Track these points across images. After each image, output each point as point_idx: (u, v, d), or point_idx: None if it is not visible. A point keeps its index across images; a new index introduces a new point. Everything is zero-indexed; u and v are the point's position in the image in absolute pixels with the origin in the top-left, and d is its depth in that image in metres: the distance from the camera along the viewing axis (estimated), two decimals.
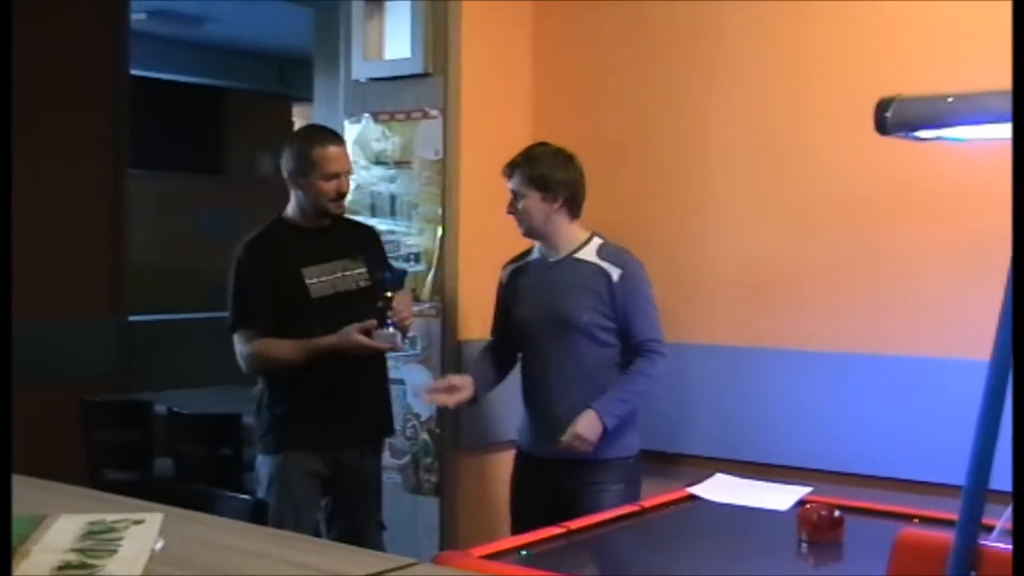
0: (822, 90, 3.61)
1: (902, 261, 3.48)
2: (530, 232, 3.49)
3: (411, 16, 3.95)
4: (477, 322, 3.94)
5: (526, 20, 4.19)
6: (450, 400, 3.50)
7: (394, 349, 3.52)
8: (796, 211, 3.68)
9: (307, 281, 3.45)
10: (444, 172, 3.90)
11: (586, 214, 3.92)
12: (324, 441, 3.46)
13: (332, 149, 3.46)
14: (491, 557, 2.51)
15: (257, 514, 2.43)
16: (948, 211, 3.39)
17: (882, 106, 2.44)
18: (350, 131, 4.11)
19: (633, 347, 3.41)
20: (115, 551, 1.57)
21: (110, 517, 1.76)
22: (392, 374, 3.90)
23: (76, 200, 5.65)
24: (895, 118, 2.44)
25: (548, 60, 4.19)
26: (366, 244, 3.65)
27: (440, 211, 3.90)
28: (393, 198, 4.01)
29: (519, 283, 3.55)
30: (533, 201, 3.43)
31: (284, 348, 3.42)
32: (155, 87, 8.84)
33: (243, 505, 2.58)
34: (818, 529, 2.73)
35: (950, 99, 2.40)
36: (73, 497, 2.15)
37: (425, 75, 3.92)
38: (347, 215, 3.70)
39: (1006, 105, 2.29)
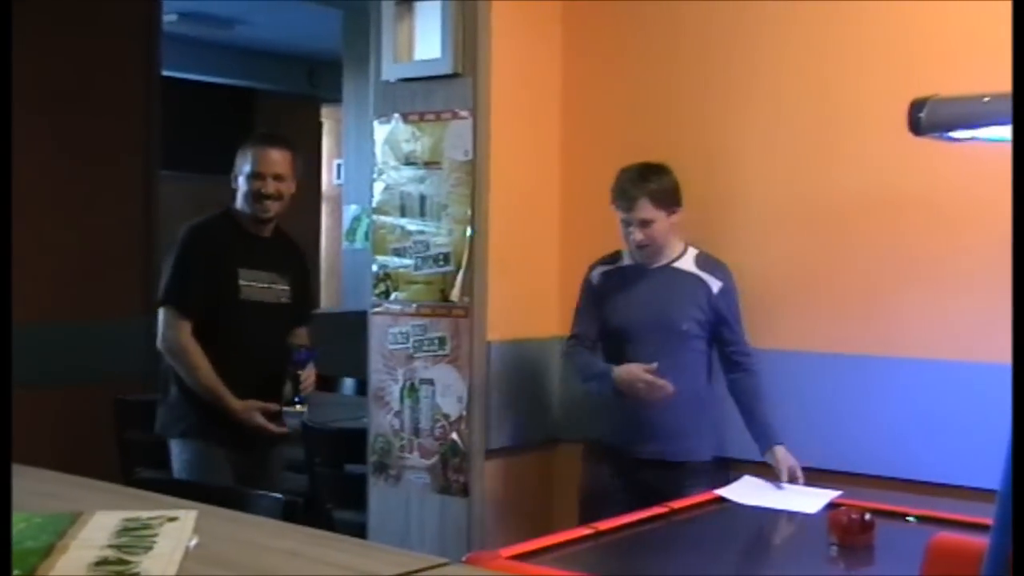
0: (856, 92, 3.59)
1: (936, 264, 3.46)
2: (655, 252, 3.53)
3: (441, 17, 3.96)
4: (505, 323, 3.95)
5: (556, 20, 4.19)
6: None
7: (284, 435, 3.77)
8: (829, 216, 3.66)
9: (240, 281, 3.60)
10: (474, 173, 3.90)
11: (613, 216, 3.91)
12: (225, 434, 3.60)
13: (265, 150, 3.63)
14: (520, 557, 2.51)
15: (289, 513, 2.44)
16: (985, 213, 3.36)
17: (916, 106, 2.42)
18: (380, 132, 4.12)
19: (726, 354, 3.55)
20: (151, 548, 1.58)
21: (145, 514, 1.78)
22: (421, 374, 3.92)
23: (108, 201, 5.69)
24: (929, 118, 2.43)
25: (578, 60, 4.19)
26: (295, 265, 3.86)
27: (469, 212, 3.90)
28: (423, 199, 4.01)
29: (615, 287, 3.58)
30: (662, 223, 3.47)
31: (204, 371, 3.58)
32: (187, 89, 8.90)
33: (275, 504, 2.60)
34: (849, 532, 2.72)
35: (986, 99, 2.39)
36: (108, 494, 2.17)
37: (455, 76, 3.92)
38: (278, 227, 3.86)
39: None
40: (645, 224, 3.43)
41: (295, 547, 1.67)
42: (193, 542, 1.62)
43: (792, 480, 3.33)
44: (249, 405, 3.57)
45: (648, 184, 3.43)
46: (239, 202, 3.71)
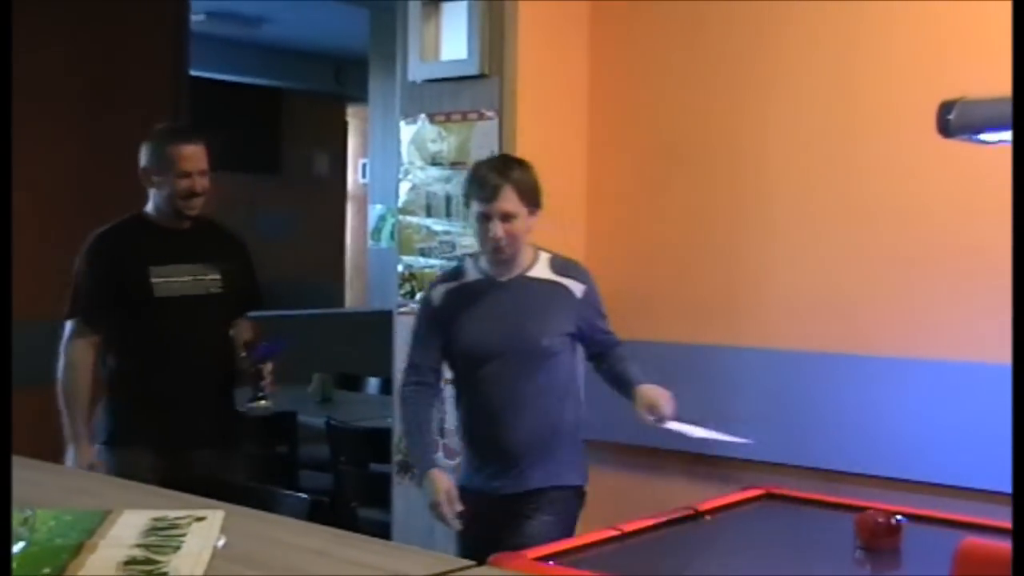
0: (883, 92, 3.57)
1: (967, 265, 3.43)
2: (513, 258, 3.16)
3: (467, 17, 3.97)
4: None
5: (583, 20, 4.18)
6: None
7: None
8: (857, 215, 3.64)
9: (152, 280, 3.47)
10: None
11: (644, 219, 3.92)
12: (159, 439, 3.47)
13: (186, 147, 3.49)
14: (545, 559, 2.51)
15: (315, 513, 2.45)
16: (1007, 217, 3.33)
17: (945, 108, 2.42)
18: (406, 132, 4.13)
19: (598, 354, 3.31)
20: (179, 547, 1.59)
21: (172, 513, 1.78)
22: (446, 374, 3.91)
23: (136, 201, 5.72)
24: (958, 120, 2.42)
25: (605, 61, 4.18)
26: (228, 253, 3.68)
27: None
28: (449, 199, 4.02)
29: (462, 306, 3.19)
30: (523, 220, 3.11)
31: (75, 396, 3.46)
32: (214, 87, 8.94)
33: (300, 503, 2.61)
34: (876, 536, 2.71)
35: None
36: (135, 493, 2.18)
37: (481, 76, 3.93)
38: (217, 221, 3.76)
39: None
40: (507, 218, 3.05)
41: (322, 546, 1.67)
42: (221, 542, 1.63)
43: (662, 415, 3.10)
44: (88, 453, 3.43)
45: (512, 173, 3.09)
46: (157, 202, 3.54)
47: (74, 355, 3.47)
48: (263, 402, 3.52)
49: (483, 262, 3.20)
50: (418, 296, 4.01)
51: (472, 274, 3.23)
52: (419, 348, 3.29)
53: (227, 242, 3.73)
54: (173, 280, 3.50)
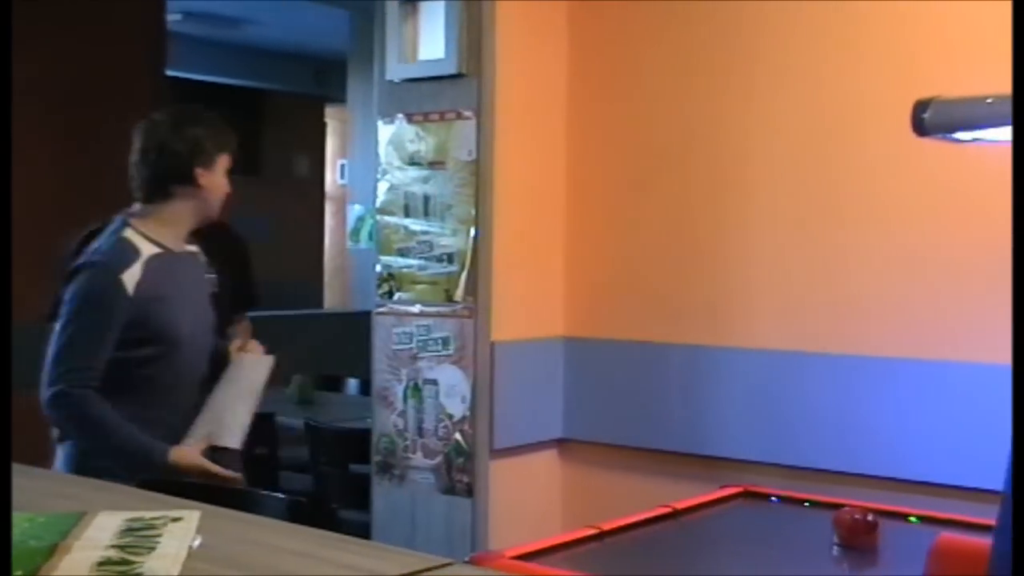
0: (864, 91, 3.58)
1: (945, 266, 3.45)
2: None
3: (445, 17, 3.96)
4: (510, 323, 3.95)
5: (561, 21, 4.19)
6: None
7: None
8: (837, 215, 3.65)
9: None
10: (478, 173, 3.90)
11: (624, 219, 3.92)
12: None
13: None
14: (524, 558, 2.51)
15: (294, 513, 2.44)
16: (991, 215, 3.36)
17: (920, 107, 2.43)
18: (384, 132, 4.12)
19: None
20: (154, 548, 1.59)
21: (148, 514, 1.78)
22: (426, 374, 3.92)
23: (115, 202, 5.68)
24: (933, 119, 2.43)
25: (584, 61, 4.19)
26: (227, 252, 3.64)
27: (474, 212, 3.91)
28: (427, 199, 4.02)
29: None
30: None
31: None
32: (192, 89, 8.92)
33: (279, 504, 2.60)
34: (853, 533, 2.72)
35: (989, 100, 2.40)
36: (112, 494, 2.17)
37: (459, 76, 3.93)
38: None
39: None
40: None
41: (301, 547, 1.67)
42: (197, 542, 1.63)
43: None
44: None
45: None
46: None
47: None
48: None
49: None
50: (398, 296, 4.01)
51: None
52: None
53: (227, 240, 3.67)
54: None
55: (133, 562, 1.51)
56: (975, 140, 2.60)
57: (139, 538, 1.64)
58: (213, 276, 3.42)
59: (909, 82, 3.22)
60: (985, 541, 1.95)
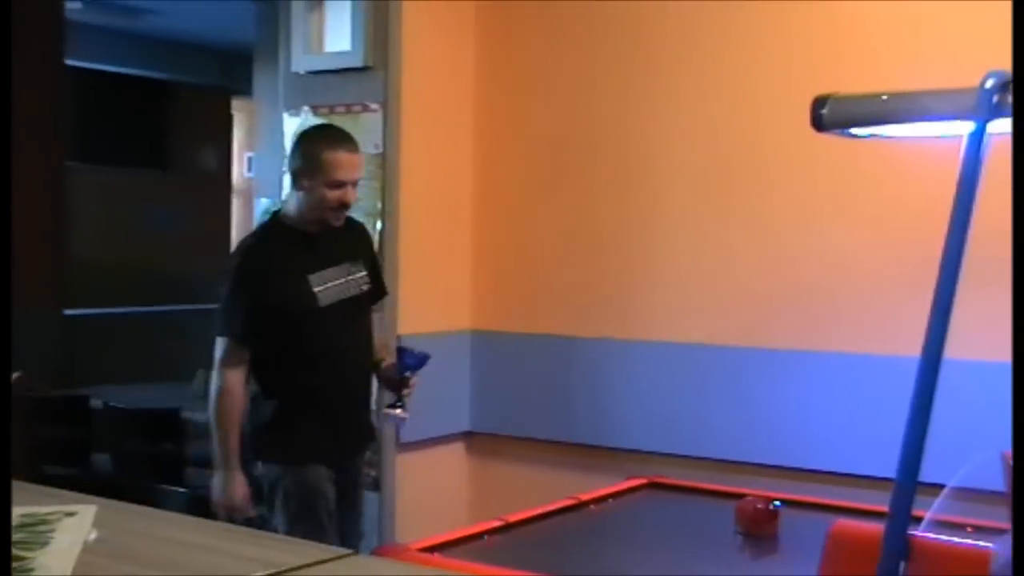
0: (765, 88, 3.65)
1: (840, 259, 3.52)
2: None
3: (352, 9, 3.94)
4: (417, 316, 3.94)
5: (469, 15, 4.19)
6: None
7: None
8: (740, 209, 3.71)
9: (315, 289, 3.23)
10: (384, 166, 3.89)
11: (531, 213, 3.95)
12: (332, 452, 3.31)
13: (344, 156, 3.20)
14: (430, 550, 2.51)
15: (197, 508, 2.41)
16: (890, 210, 3.44)
17: (818, 103, 2.47)
18: (290, 124, 4.08)
19: None
20: (47, 543, 1.55)
21: (43, 509, 1.74)
22: None
23: (15, 193, 5.56)
24: (831, 115, 2.47)
25: (491, 55, 4.19)
26: (365, 246, 3.48)
27: (380, 205, 3.89)
28: None
29: None
30: None
31: (234, 430, 3.25)
32: (95, 79, 8.73)
33: (182, 498, 2.58)
34: (755, 521, 2.77)
35: (884, 97, 2.44)
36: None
37: (366, 69, 3.91)
38: None
39: (941, 104, 2.34)
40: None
41: (201, 540, 1.65)
42: (92, 536, 1.59)
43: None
44: (244, 494, 3.23)
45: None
46: (302, 207, 3.25)
47: (230, 379, 3.21)
48: (399, 411, 3.33)
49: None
50: None
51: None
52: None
53: (361, 234, 3.49)
54: (331, 285, 3.27)
55: (25, 557, 1.48)
56: (872, 136, 2.66)
57: (31, 534, 1.60)
58: None
59: (808, 79, 3.27)
60: (879, 527, 2.00)
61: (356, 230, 3.45)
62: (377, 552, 2.38)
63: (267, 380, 3.28)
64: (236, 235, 11.08)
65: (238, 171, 10.99)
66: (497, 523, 2.81)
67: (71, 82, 5.99)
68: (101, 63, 8.89)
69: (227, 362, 3.21)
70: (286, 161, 3.36)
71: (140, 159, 9.48)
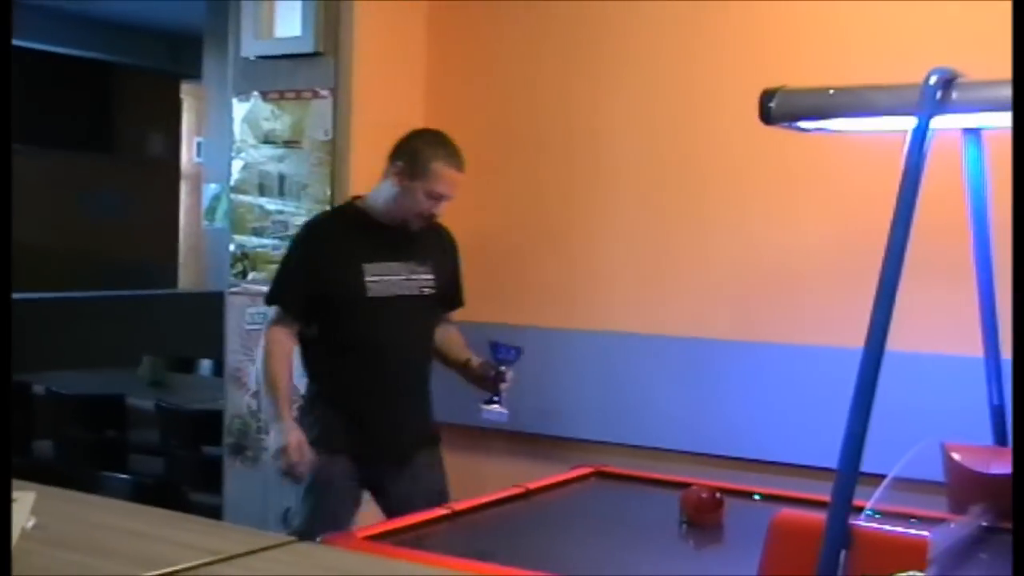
0: (711, 81, 3.66)
1: (784, 251, 3.55)
2: None
3: None
4: None
5: (421, 2, 4.17)
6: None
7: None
8: (685, 199, 3.73)
9: (366, 278, 3.24)
10: (334, 153, 3.87)
11: (479, 202, 3.94)
12: (363, 446, 3.30)
13: (453, 172, 3.23)
14: (375, 538, 2.51)
15: (140, 495, 2.39)
16: (830, 204, 3.47)
17: (767, 96, 2.50)
18: (239, 109, 4.05)
19: None
20: None
21: None
22: None
23: None
24: (779, 109, 2.50)
25: (442, 44, 4.18)
26: (440, 250, 3.46)
27: (329, 192, 3.87)
28: (282, 178, 3.97)
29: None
30: None
31: (277, 375, 3.25)
32: (40, 59, 8.62)
33: (126, 485, 2.55)
34: (699, 511, 2.79)
35: (831, 92, 2.47)
36: None
37: (316, 54, 3.89)
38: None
39: (886, 99, 2.37)
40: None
41: (140, 527, 1.64)
42: (31, 523, 1.58)
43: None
44: (298, 442, 3.20)
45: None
46: (393, 201, 3.25)
47: (276, 344, 3.25)
48: (497, 406, 3.29)
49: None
50: (252, 276, 3.95)
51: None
52: None
53: (442, 240, 3.48)
54: (387, 279, 3.27)
55: None
56: (818, 129, 2.68)
57: None
58: None
59: (757, 72, 3.29)
60: (821, 516, 2.03)
61: (437, 234, 3.45)
62: (323, 541, 2.36)
63: (307, 360, 3.35)
64: (185, 220, 11.01)
65: (187, 156, 10.91)
66: (443, 511, 2.80)
67: (15, 63, 5.89)
68: (46, 43, 8.78)
69: (273, 327, 3.29)
70: (394, 151, 3.31)
71: (86, 142, 9.37)
